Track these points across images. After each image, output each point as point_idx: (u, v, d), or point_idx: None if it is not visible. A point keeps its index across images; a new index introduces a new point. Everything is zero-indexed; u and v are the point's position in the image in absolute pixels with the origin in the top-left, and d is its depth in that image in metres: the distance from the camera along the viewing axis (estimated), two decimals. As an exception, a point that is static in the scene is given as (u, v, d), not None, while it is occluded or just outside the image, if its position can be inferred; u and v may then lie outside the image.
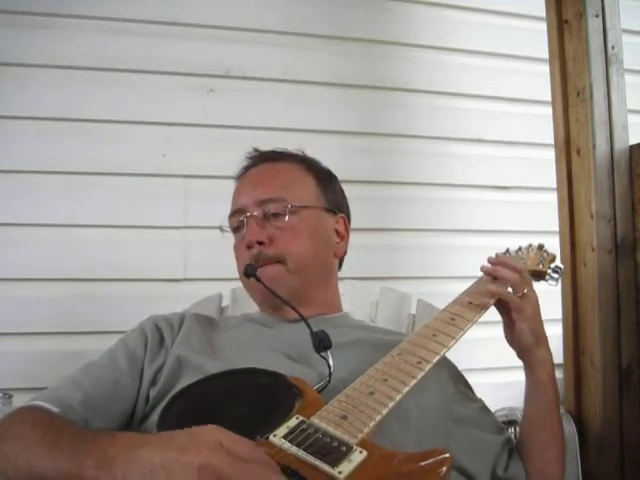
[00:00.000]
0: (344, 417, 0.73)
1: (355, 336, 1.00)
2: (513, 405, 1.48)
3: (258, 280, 0.97)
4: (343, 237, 1.11)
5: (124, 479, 0.59)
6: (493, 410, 1.05)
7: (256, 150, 1.13)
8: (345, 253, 1.15)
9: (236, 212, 1.06)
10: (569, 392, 1.52)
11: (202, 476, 0.57)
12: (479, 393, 1.04)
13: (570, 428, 1.44)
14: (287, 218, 1.01)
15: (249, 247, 1.01)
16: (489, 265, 1.00)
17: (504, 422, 1.40)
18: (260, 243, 1.00)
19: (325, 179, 1.11)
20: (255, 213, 1.02)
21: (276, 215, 1.01)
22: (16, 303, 1.52)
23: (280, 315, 1.03)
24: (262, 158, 1.11)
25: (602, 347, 1.45)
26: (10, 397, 1.25)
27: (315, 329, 0.92)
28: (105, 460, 0.62)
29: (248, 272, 0.97)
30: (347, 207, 1.16)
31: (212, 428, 0.63)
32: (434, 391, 0.92)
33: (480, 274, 1.02)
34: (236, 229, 1.06)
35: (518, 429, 1.42)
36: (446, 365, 1.00)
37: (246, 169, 1.12)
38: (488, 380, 1.51)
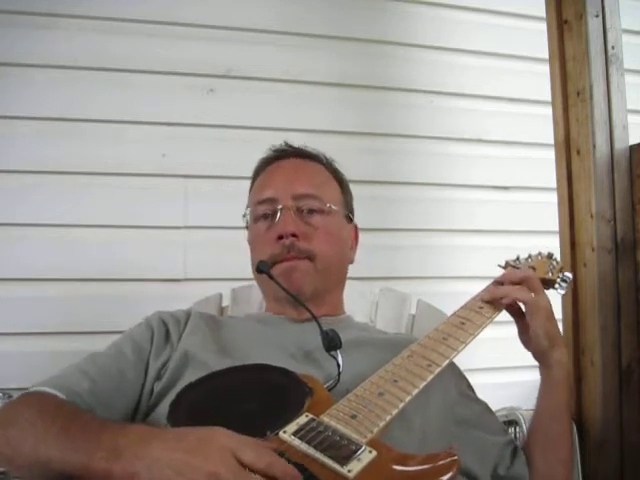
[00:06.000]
0: (354, 416, 0.73)
1: (359, 338, 1.00)
2: (513, 405, 1.48)
3: (271, 277, 0.97)
4: (353, 246, 1.12)
5: (134, 472, 0.60)
6: (494, 410, 1.05)
7: (287, 144, 1.13)
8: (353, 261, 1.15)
9: (266, 201, 1.04)
10: (569, 392, 1.52)
11: None
12: (480, 393, 1.04)
13: (570, 428, 1.44)
14: (322, 217, 1.01)
15: (280, 237, 0.99)
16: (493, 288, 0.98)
17: (504, 422, 1.40)
18: (294, 236, 0.99)
19: (345, 185, 1.13)
20: (291, 204, 1.01)
21: (311, 212, 1.01)
22: (16, 303, 1.52)
23: (294, 313, 1.03)
24: (292, 153, 1.11)
25: (602, 347, 1.45)
26: (10, 397, 1.25)
27: (313, 330, 0.92)
28: (115, 452, 0.63)
29: (260, 268, 0.97)
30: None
31: (222, 432, 0.64)
32: (437, 393, 0.92)
33: (492, 275, 1.02)
34: (261, 217, 1.04)
35: (518, 429, 1.43)
36: (449, 366, 1.00)
37: (273, 160, 1.11)
38: (489, 380, 1.51)
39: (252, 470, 0.61)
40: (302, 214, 1.01)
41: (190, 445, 0.62)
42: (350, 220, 1.12)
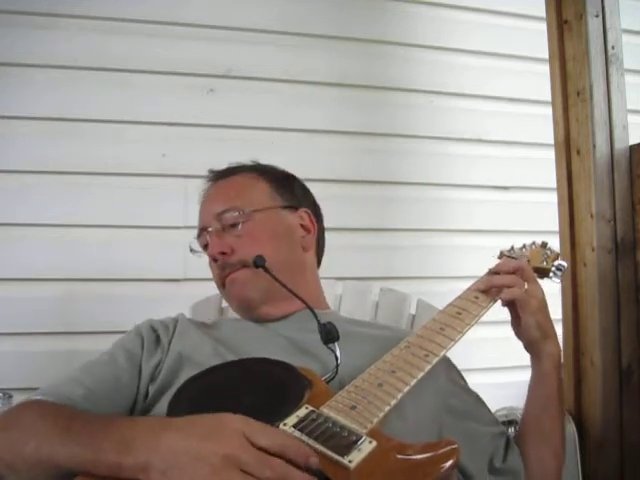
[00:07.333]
0: (353, 407, 0.74)
1: (349, 330, 1.00)
2: (512, 405, 1.48)
3: (266, 270, 0.98)
4: (309, 230, 1.11)
5: (147, 464, 0.60)
6: (493, 410, 1.05)
7: (211, 171, 1.16)
8: (322, 247, 1.16)
9: (201, 232, 1.08)
10: (569, 392, 1.52)
11: (226, 466, 0.58)
12: (479, 393, 1.04)
13: (570, 428, 1.44)
14: (242, 225, 1.03)
15: (215, 260, 1.03)
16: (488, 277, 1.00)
17: (504, 422, 1.40)
18: (223, 254, 1.02)
19: (280, 180, 1.13)
20: (215, 226, 1.04)
21: (233, 225, 1.03)
22: (16, 303, 1.52)
23: (260, 314, 1.04)
24: (215, 177, 1.14)
25: (602, 347, 1.45)
26: (10, 397, 1.25)
27: (300, 324, 0.94)
28: (125, 444, 0.62)
29: (257, 263, 0.98)
30: (312, 202, 1.17)
31: (236, 417, 0.64)
32: (428, 383, 0.92)
33: (485, 270, 1.02)
34: (205, 247, 1.08)
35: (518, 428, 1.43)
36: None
37: (204, 192, 1.14)
38: (487, 380, 1.51)
39: (266, 452, 0.61)
40: (228, 230, 1.04)
41: (202, 431, 0.62)
42: (295, 209, 1.10)
